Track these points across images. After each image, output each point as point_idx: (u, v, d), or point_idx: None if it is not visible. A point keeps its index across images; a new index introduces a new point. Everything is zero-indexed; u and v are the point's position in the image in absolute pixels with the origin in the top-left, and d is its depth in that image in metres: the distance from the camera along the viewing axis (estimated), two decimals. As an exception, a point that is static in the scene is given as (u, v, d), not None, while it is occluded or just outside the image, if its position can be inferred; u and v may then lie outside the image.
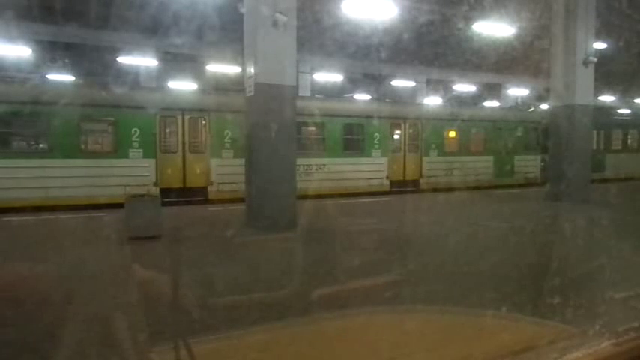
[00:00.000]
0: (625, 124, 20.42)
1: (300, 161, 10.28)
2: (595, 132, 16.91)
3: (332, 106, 14.31)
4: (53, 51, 17.67)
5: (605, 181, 16.47)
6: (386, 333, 1.47)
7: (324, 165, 13.23)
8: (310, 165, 12.90)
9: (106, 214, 8.82)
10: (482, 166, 16.31)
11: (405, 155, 15.02)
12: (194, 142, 11.91)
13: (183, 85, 19.76)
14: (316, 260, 5.55)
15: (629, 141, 20.12)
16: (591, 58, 11.10)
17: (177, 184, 11.50)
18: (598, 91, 20.35)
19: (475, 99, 28.90)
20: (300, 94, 15.24)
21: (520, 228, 7.62)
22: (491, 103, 27.80)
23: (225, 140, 11.97)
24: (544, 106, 19.63)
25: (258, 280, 4.83)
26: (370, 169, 14.19)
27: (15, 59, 17.03)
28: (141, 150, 11.09)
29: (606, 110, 20.40)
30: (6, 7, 12.22)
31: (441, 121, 15.68)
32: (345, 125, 13.79)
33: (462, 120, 15.67)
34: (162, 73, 19.18)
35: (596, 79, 11.54)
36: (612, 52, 16.32)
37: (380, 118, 14.29)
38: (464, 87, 26.68)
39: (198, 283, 4.48)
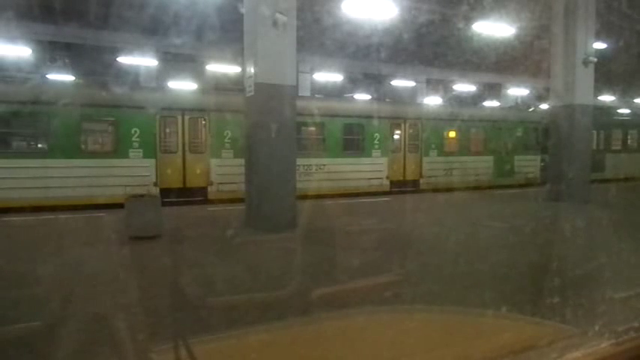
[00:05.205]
0: (625, 124, 20.43)
1: (300, 161, 10.28)
2: (595, 132, 16.92)
3: (332, 106, 14.30)
4: (53, 51, 17.70)
5: (605, 181, 16.47)
6: (386, 333, 1.47)
7: (324, 165, 13.23)
8: (310, 165, 12.90)
9: (106, 214, 8.82)
10: (483, 166, 16.31)
11: (405, 155, 15.03)
12: (194, 142, 11.91)
13: (183, 85, 19.75)
14: (316, 260, 5.54)
15: (629, 141, 20.13)
16: (591, 58, 11.11)
17: (177, 184, 11.51)
18: (598, 91, 20.36)
19: (475, 99, 28.90)
20: (300, 94, 15.25)
21: (521, 228, 7.61)
22: (491, 103, 27.80)
23: (225, 140, 11.97)
24: (544, 106, 19.64)
25: (257, 280, 4.83)
26: (370, 169, 14.18)
27: (15, 59, 17.03)
28: (141, 150, 11.09)
29: (606, 110, 20.39)
30: (6, 7, 12.22)
31: (440, 121, 15.67)
32: (345, 125, 13.79)
33: (462, 120, 15.67)
34: (162, 73, 19.18)
35: (596, 79, 11.54)
36: (612, 52, 16.33)
37: (380, 118, 14.29)
38: (464, 87, 26.68)
39: (198, 283, 4.48)
